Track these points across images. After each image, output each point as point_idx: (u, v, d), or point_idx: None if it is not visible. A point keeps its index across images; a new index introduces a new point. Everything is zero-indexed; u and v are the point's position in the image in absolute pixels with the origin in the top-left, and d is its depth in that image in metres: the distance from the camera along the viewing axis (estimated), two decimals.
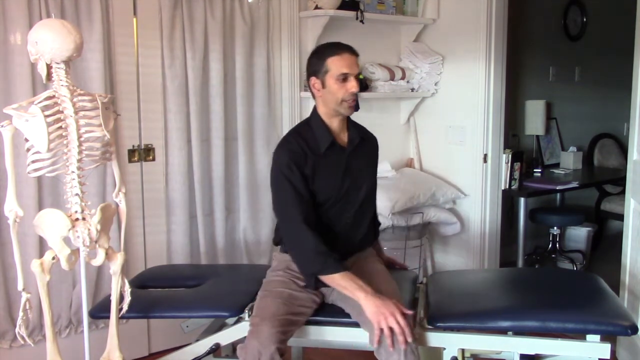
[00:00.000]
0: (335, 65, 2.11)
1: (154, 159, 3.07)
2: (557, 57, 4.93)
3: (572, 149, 4.82)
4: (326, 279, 2.05)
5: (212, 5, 3.12)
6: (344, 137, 2.24)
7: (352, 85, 2.12)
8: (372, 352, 2.02)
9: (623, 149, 5.17)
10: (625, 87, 3.13)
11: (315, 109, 2.22)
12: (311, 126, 2.20)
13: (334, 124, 2.20)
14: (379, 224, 2.52)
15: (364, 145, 2.30)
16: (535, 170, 4.49)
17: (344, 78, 2.11)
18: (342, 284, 2.02)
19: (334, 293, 2.20)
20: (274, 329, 1.95)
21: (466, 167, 3.78)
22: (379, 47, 3.85)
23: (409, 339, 1.91)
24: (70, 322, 2.91)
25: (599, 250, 4.94)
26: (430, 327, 2.12)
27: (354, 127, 2.28)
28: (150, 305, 2.25)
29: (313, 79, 2.16)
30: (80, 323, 2.90)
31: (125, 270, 2.01)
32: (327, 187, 2.16)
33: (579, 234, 4.67)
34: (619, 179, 4.21)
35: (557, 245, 4.45)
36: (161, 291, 2.45)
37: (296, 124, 3.39)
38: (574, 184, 4.14)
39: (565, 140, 5.00)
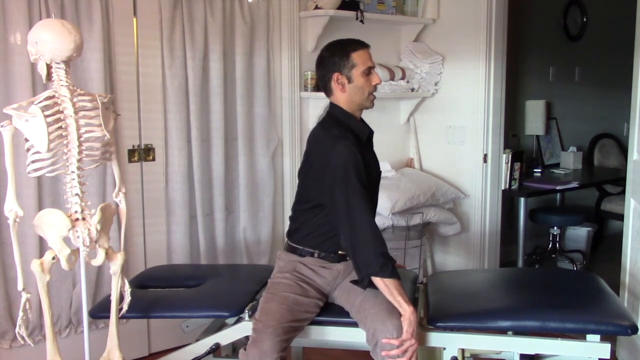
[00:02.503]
0: (361, 59, 2.13)
1: (154, 159, 3.07)
2: (557, 57, 4.94)
3: (572, 149, 4.82)
4: (377, 280, 2.00)
5: (212, 5, 3.12)
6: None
7: (376, 77, 2.16)
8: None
9: (623, 149, 5.17)
10: (625, 87, 3.13)
11: (335, 106, 2.18)
12: (344, 121, 2.16)
13: (357, 117, 2.22)
14: None
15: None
16: (535, 170, 4.48)
17: (369, 72, 2.14)
18: (390, 289, 1.98)
19: (336, 291, 2.20)
20: (277, 337, 1.96)
21: (466, 167, 3.78)
22: (379, 47, 3.83)
23: None
24: (70, 322, 2.91)
25: (599, 250, 4.94)
26: (430, 327, 2.12)
27: (364, 121, 2.29)
28: (150, 305, 2.25)
29: (337, 75, 2.13)
30: (80, 323, 2.90)
31: (125, 270, 2.01)
32: (371, 177, 2.15)
33: (579, 234, 4.67)
34: (619, 179, 4.21)
35: (557, 245, 4.45)
36: (161, 291, 2.45)
37: (305, 124, 3.47)
38: (574, 184, 4.14)
39: (565, 140, 5.00)
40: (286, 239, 2.30)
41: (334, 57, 2.14)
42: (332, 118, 2.19)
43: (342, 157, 2.02)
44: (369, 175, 2.09)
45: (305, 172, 2.22)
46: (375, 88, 2.18)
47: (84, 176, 1.87)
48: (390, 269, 1.99)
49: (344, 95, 2.15)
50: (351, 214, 2.01)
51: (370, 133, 2.25)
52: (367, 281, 2.02)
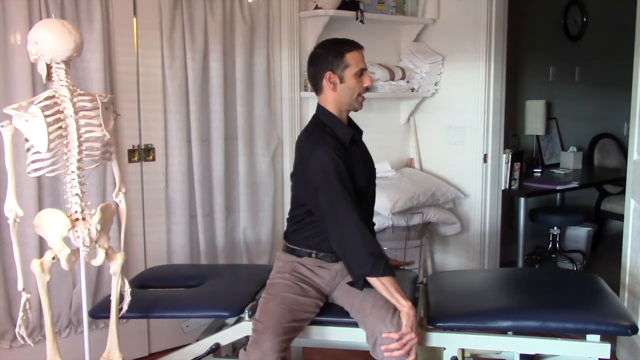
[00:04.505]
0: (354, 60, 2.13)
1: (154, 159, 3.07)
2: (557, 57, 4.94)
3: (572, 149, 4.82)
4: (372, 280, 2.01)
5: (212, 5, 3.12)
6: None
7: (367, 79, 2.17)
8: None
9: (623, 149, 5.17)
10: (625, 87, 3.13)
11: (322, 107, 2.19)
12: (327, 124, 2.17)
13: (344, 118, 2.21)
14: (374, 223, 2.52)
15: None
16: (535, 170, 4.49)
17: (361, 73, 2.15)
18: (386, 287, 1.99)
19: (335, 291, 2.20)
20: (277, 338, 1.96)
21: (466, 167, 3.78)
22: (379, 47, 3.85)
23: None
24: (70, 322, 2.91)
25: (599, 250, 4.94)
26: (430, 327, 2.12)
27: (352, 121, 2.29)
28: (150, 305, 2.25)
29: (329, 74, 2.13)
30: (80, 323, 2.90)
31: (125, 270, 2.01)
32: (358, 179, 2.14)
33: (579, 234, 4.67)
34: (619, 179, 4.21)
35: (557, 245, 4.45)
36: (161, 291, 2.45)
37: (305, 124, 3.42)
38: (574, 184, 4.14)
39: (565, 140, 5.00)
40: (284, 241, 2.30)
41: (327, 55, 2.14)
42: (316, 122, 2.20)
43: (322, 163, 2.04)
44: (354, 178, 2.10)
45: (294, 176, 2.24)
46: (365, 90, 2.18)
47: (84, 176, 1.87)
48: (382, 268, 1.99)
49: (334, 94, 2.16)
50: (337, 218, 2.03)
51: (356, 135, 2.23)
52: (362, 282, 2.03)
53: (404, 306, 1.98)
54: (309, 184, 2.10)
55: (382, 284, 2.00)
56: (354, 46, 2.16)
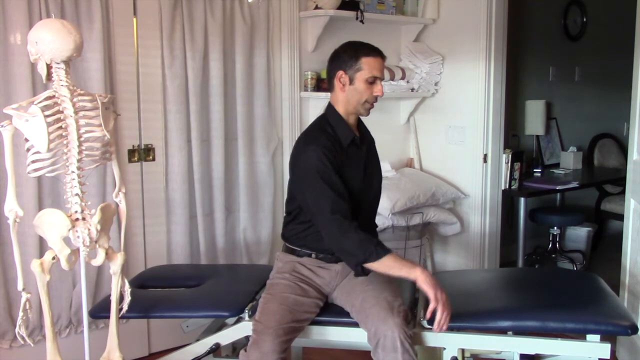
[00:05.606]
0: (369, 66, 2.12)
1: (154, 159, 3.07)
2: (557, 57, 4.93)
3: (572, 149, 4.82)
4: (373, 265, 2.01)
5: (212, 5, 3.12)
6: (357, 134, 2.25)
7: (379, 89, 2.15)
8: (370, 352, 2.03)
9: (623, 149, 5.17)
10: (625, 87, 3.13)
11: (331, 106, 2.20)
12: (330, 123, 2.18)
13: (350, 120, 2.21)
14: (377, 225, 2.52)
15: (372, 143, 2.34)
16: (535, 170, 4.49)
17: (373, 81, 2.13)
18: (389, 266, 2.00)
19: (335, 291, 2.21)
20: (277, 339, 1.96)
21: (466, 167, 3.78)
22: (379, 47, 3.84)
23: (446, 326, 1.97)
24: (70, 322, 2.91)
25: (599, 250, 4.94)
26: (430, 327, 2.11)
27: (363, 125, 2.30)
28: (150, 305, 2.25)
29: (341, 73, 2.13)
30: (80, 323, 2.90)
31: (125, 270, 2.01)
32: (351, 180, 2.15)
33: (579, 234, 4.67)
34: (619, 179, 4.21)
35: (557, 245, 4.45)
36: (161, 291, 2.45)
37: (305, 124, 3.46)
38: (574, 184, 4.14)
39: (565, 140, 5.00)
40: (283, 241, 2.30)
41: (344, 55, 2.14)
42: (320, 119, 2.22)
43: (308, 161, 2.06)
44: (345, 179, 2.10)
45: (290, 174, 2.25)
46: (375, 99, 2.17)
47: (84, 176, 1.87)
48: (375, 252, 1.99)
49: (342, 95, 2.16)
50: (322, 217, 2.04)
51: (357, 139, 2.21)
52: (360, 269, 2.05)
53: (416, 272, 1.97)
54: (297, 182, 2.13)
55: (385, 266, 2.00)
56: (374, 52, 2.14)
